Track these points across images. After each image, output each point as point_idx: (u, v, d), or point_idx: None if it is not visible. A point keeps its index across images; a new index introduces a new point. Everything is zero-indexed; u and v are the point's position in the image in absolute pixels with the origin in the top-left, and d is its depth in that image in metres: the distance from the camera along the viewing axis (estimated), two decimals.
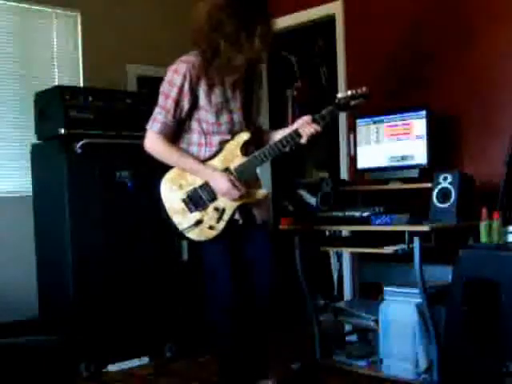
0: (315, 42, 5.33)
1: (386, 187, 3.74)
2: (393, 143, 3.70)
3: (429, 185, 3.40)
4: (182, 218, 2.83)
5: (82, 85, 4.41)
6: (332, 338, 3.77)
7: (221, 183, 2.79)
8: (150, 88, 4.71)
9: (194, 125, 2.85)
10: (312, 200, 3.79)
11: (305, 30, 4.79)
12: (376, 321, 3.43)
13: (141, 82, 4.76)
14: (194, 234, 2.83)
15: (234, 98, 2.88)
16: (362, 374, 3.45)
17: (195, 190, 2.83)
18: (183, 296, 4.14)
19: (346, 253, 3.99)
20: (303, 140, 2.86)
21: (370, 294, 3.80)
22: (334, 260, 4.07)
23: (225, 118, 2.84)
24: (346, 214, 3.46)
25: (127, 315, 3.77)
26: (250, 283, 2.92)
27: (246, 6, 2.73)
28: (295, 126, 2.89)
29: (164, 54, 4.83)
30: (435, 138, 3.57)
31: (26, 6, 4.28)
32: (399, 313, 3.31)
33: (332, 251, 3.98)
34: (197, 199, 2.82)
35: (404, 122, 3.64)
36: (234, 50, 2.71)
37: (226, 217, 2.82)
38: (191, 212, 2.82)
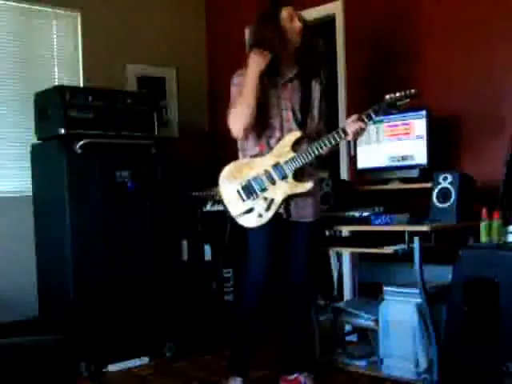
0: (315, 41, 5.32)
1: (386, 187, 3.74)
2: (393, 143, 3.70)
3: (429, 185, 3.40)
4: (236, 206, 3.14)
5: (82, 85, 4.41)
6: (332, 338, 3.77)
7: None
8: (149, 88, 4.72)
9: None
10: None
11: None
12: (376, 321, 3.43)
13: (141, 82, 4.76)
14: (244, 221, 3.13)
15: (286, 97, 3.14)
16: (362, 374, 3.45)
17: (248, 181, 3.12)
18: (183, 296, 4.14)
19: (346, 253, 3.99)
20: (350, 137, 3.09)
21: (370, 294, 3.80)
22: (333, 260, 4.06)
23: (277, 114, 3.11)
24: (346, 214, 3.46)
25: (127, 315, 3.77)
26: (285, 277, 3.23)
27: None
28: (343, 124, 3.12)
29: (164, 54, 4.87)
30: (435, 138, 3.58)
31: (26, 5, 4.28)
32: (399, 313, 3.31)
33: (332, 251, 3.97)
34: (249, 190, 3.12)
35: (404, 121, 3.64)
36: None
37: (274, 206, 3.10)
38: (244, 201, 3.12)
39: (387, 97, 3.07)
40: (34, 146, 3.93)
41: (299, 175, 3.11)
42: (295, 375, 3.23)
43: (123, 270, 3.77)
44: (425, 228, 3.08)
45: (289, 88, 3.16)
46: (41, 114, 3.81)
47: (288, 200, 3.12)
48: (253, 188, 3.11)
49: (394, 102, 3.06)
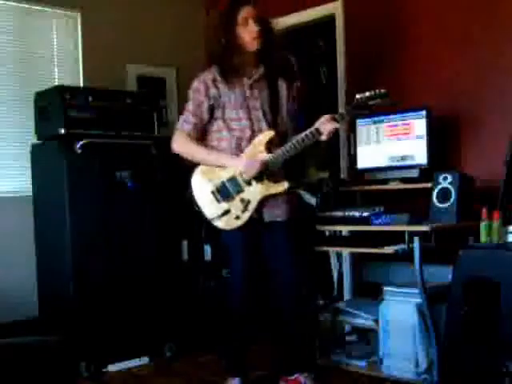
0: (315, 42, 5.33)
1: (385, 187, 3.74)
2: (393, 143, 3.70)
3: (429, 185, 3.40)
4: (211, 208, 3.13)
5: (82, 85, 4.41)
6: (332, 337, 3.76)
7: (242, 162, 3.07)
8: (149, 88, 4.72)
9: (219, 122, 3.15)
10: (312, 200, 3.79)
11: (305, 30, 4.78)
12: (376, 321, 3.43)
13: (141, 82, 4.76)
14: (221, 223, 3.13)
15: (254, 97, 3.14)
16: (362, 374, 3.45)
17: (223, 183, 3.12)
18: (183, 296, 4.14)
19: (346, 253, 3.99)
20: (324, 137, 3.08)
21: (370, 294, 3.80)
22: (333, 260, 4.06)
23: (245, 114, 3.11)
24: (346, 214, 3.46)
25: (127, 315, 3.77)
26: (272, 281, 3.24)
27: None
28: (316, 124, 3.09)
29: (164, 54, 4.87)
30: (435, 138, 3.57)
31: (26, 6, 4.28)
32: (399, 313, 3.30)
33: (332, 251, 3.97)
34: (224, 191, 3.11)
35: (404, 122, 3.64)
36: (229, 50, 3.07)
37: (250, 208, 3.09)
38: (219, 203, 3.11)
39: (357, 96, 3.09)
40: (34, 146, 3.93)
41: (272, 175, 3.11)
42: (295, 375, 3.23)
43: (123, 270, 3.77)
44: (425, 228, 3.08)
45: (256, 88, 3.15)
46: (41, 114, 3.81)
47: (262, 201, 3.12)
48: (228, 190, 3.10)
49: (365, 101, 3.08)
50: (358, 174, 3.93)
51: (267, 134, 3.10)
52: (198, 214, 3.17)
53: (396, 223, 3.19)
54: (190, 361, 3.84)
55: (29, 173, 3.96)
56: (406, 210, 3.32)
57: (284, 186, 3.10)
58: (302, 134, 3.09)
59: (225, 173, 3.11)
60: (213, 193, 3.12)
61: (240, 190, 3.09)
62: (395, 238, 3.16)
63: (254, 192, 3.09)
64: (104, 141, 3.73)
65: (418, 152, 3.58)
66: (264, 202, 3.12)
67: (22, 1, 4.25)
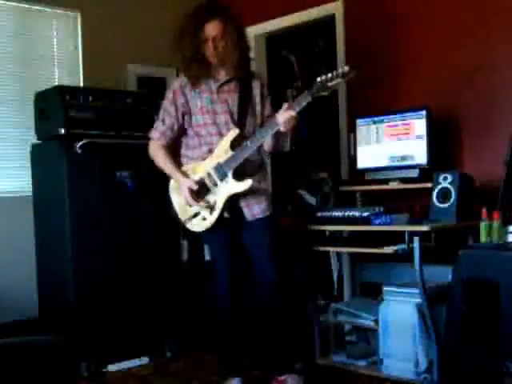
0: (315, 42, 5.33)
1: (385, 187, 3.74)
2: (393, 143, 3.70)
3: (429, 185, 3.41)
4: (184, 212, 3.18)
5: (81, 85, 4.41)
6: (332, 338, 3.76)
7: (183, 189, 3.09)
8: (149, 88, 4.72)
9: (190, 130, 3.16)
10: (312, 200, 3.79)
11: (305, 30, 4.78)
12: (376, 321, 3.43)
13: (141, 82, 4.75)
14: (192, 226, 3.18)
15: (221, 101, 3.10)
16: (362, 374, 3.45)
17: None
18: (183, 296, 4.14)
19: (346, 253, 3.99)
20: (281, 127, 2.96)
21: (370, 293, 3.80)
22: (333, 260, 4.06)
23: (211, 119, 3.08)
24: (346, 214, 3.46)
25: (127, 315, 3.77)
26: (252, 269, 3.21)
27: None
28: (277, 113, 2.99)
29: (164, 54, 4.85)
30: (435, 138, 3.58)
31: (26, 6, 4.28)
32: (399, 313, 3.31)
33: (332, 251, 3.97)
34: (193, 194, 3.09)
35: (404, 122, 3.64)
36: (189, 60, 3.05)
37: (217, 208, 3.08)
38: (190, 206, 3.12)
39: (318, 79, 2.95)
40: (34, 146, 3.93)
41: (241, 174, 3.05)
42: (284, 376, 3.16)
43: (123, 270, 3.77)
44: (425, 228, 3.08)
45: (225, 91, 3.11)
46: (41, 114, 3.81)
47: (237, 200, 3.09)
48: (197, 192, 3.09)
49: (325, 83, 2.94)
50: (358, 173, 3.93)
51: (232, 133, 3.05)
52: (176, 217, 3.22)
53: (396, 223, 3.19)
54: (190, 361, 3.84)
55: (29, 173, 3.96)
56: (406, 210, 3.32)
57: (247, 183, 3.03)
58: (262, 128, 3.06)
59: (195, 176, 3.12)
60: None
61: (207, 192, 3.09)
62: (395, 237, 3.16)
63: (220, 192, 3.07)
64: (104, 141, 3.73)
65: (418, 152, 3.58)
66: (242, 201, 3.10)
67: (21, 1, 4.25)
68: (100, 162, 3.71)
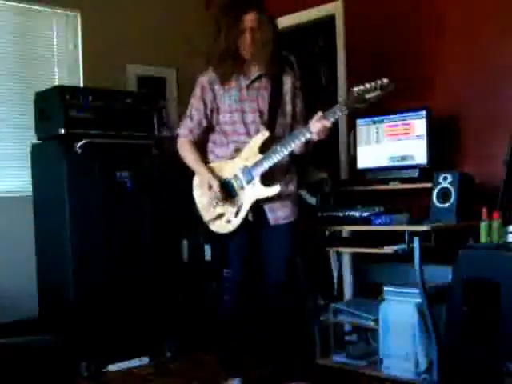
0: (315, 41, 5.33)
1: (386, 187, 3.74)
2: (393, 143, 3.70)
3: (429, 185, 3.41)
4: (207, 212, 3.12)
5: (81, 85, 4.41)
6: (332, 338, 3.76)
7: (211, 186, 3.03)
8: (149, 88, 4.72)
9: (217, 127, 3.11)
10: (312, 200, 3.79)
11: (305, 30, 4.78)
12: (376, 321, 3.43)
13: (141, 82, 4.75)
14: (215, 227, 3.13)
15: (251, 99, 3.04)
16: (362, 374, 3.45)
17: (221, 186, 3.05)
18: (183, 296, 4.14)
19: (346, 253, 3.99)
20: (314, 136, 2.93)
21: (370, 293, 3.80)
22: (333, 260, 4.06)
23: (239, 118, 3.03)
24: (346, 214, 3.46)
25: (127, 315, 3.77)
26: (266, 278, 3.17)
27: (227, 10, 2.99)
28: (309, 123, 2.94)
29: (164, 54, 4.87)
30: (435, 138, 3.57)
31: (26, 6, 4.28)
32: (399, 313, 3.31)
33: (332, 251, 3.97)
34: (220, 195, 3.05)
35: (404, 122, 3.64)
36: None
37: (242, 212, 3.03)
38: (215, 207, 3.08)
39: (355, 89, 2.85)
40: (34, 146, 3.93)
41: (269, 177, 3.00)
42: None
43: (123, 270, 3.77)
44: (425, 228, 3.08)
45: (255, 88, 3.04)
46: (41, 114, 3.81)
47: (261, 205, 3.04)
48: (223, 193, 3.04)
49: (362, 94, 2.84)
50: (358, 173, 3.93)
51: (261, 136, 2.99)
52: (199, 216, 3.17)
53: (396, 223, 3.19)
54: (190, 361, 3.84)
55: (29, 173, 3.95)
56: (406, 210, 3.32)
57: (275, 189, 2.99)
58: (293, 134, 2.99)
59: (222, 176, 3.06)
60: (210, 196, 3.09)
61: (234, 194, 3.04)
62: (395, 238, 3.16)
63: (247, 196, 3.02)
64: (104, 141, 3.73)
65: (418, 152, 3.58)
66: (266, 205, 3.05)
67: (22, 1, 4.24)
68: (100, 162, 3.71)
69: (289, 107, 3.11)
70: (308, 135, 2.92)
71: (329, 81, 5.09)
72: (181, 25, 4.98)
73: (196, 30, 5.07)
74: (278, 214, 3.07)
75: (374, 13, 4.07)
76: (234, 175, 3.04)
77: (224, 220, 3.06)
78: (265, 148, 2.99)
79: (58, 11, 4.42)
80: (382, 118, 3.73)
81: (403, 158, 3.65)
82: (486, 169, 3.48)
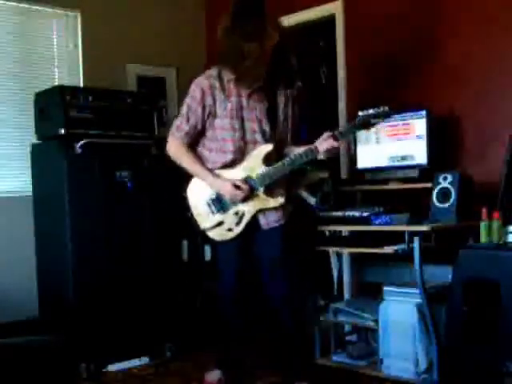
0: (315, 42, 5.33)
1: (385, 187, 3.74)
2: (393, 143, 3.70)
3: (429, 185, 3.41)
4: (205, 219, 3.12)
5: (82, 85, 4.41)
6: (332, 338, 3.77)
7: (224, 187, 3.03)
8: (149, 88, 4.72)
9: (210, 132, 3.08)
10: (312, 200, 3.79)
11: (305, 30, 4.78)
12: (376, 321, 3.43)
13: (141, 82, 4.75)
14: (214, 234, 3.14)
15: (250, 108, 3.05)
16: (362, 374, 3.45)
17: (218, 194, 3.08)
18: (183, 296, 4.14)
19: (346, 253, 3.99)
20: (320, 156, 3.02)
21: (370, 293, 3.80)
22: (333, 260, 4.06)
23: (237, 125, 3.03)
24: (346, 214, 3.46)
25: (127, 315, 3.77)
26: (263, 281, 3.18)
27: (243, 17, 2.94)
28: (316, 142, 3.02)
29: (164, 54, 4.87)
30: (435, 138, 3.57)
31: (26, 5, 4.28)
32: (399, 313, 3.30)
33: (332, 251, 3.97)
34: (219, 203, 3.09)
35: (404, 121, 3.64)
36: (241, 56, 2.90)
37: (244, 221, 3.07)
38: (213, 214, 3.10)
39: (360, 114, 3.02)
40: (34, 146, 3.93)
41: (270, 188, 3.06)
42: None
43: (123, 270, 3.77)
44: (425, 228, 3.08)
45: (254, 99, 3.05)
46: (41, 114, 3.81)
47: (257, 213, 3.09)
48: (223, 201, 3.07)
49: (368, 120, 3.02)
50: (358, 173, 3.93)
51: (266, 147, 3.03)
52: (192, 220, 3.18)
53: (396, 223, 3.19)
54: (190, 361, 3.84)
55: (29, 173, 3.96)
56: (406, 210, 3.32)
57: (279, 201, 3.06)
58: (300, 151, 3.03)
59: None
60: (208, 204, 3.11)
61: (235, 203, 3.06)
62: (395, 238, 3.16)
63: (249, 205, 3.06)
64: (104, 141, 3.73)
65: (418, 152, 3.58)
66: (260, 212, 3.10)
67: (22, 1, 4.25)
68: (100, 162, 3.71)
69: (281, 119, 3.14)
70: (314, 154, 3.01)
71: (329, 81, 5.09)
72: (181, 25, 4.98)
73: (196, 30, 5.09)
74: (270, 219, 3.12)
75: (374, 13, 4.07)
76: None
77: (224, 228, 3.08)
78: (268, 160, 3.05)
79: (58, 11, 4.42)
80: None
81: (403, 158, 3.65)
82: (485, 169, 3.47)
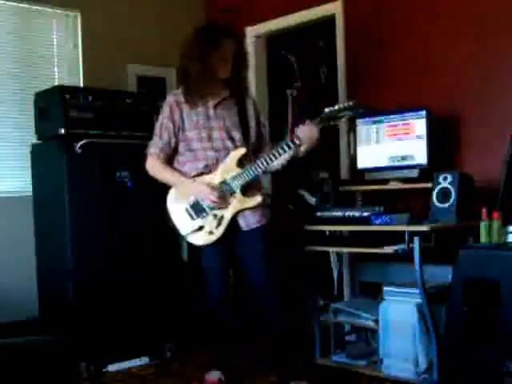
0: (315, 41, 5.33)
1: (385, 187, 3.74)
2: (393, 143, 3.70)
3: (429, 185, 3.41)
4: (186, 225, 3.19)
5: (81, 85, 4.41)
6: (332, 338, 3.76)
7: (200, 190, 3.12)
8: (149, 88, 4.72)
9: (183, 145, 3.19)
10: (312, 200, 3.79)
11: (305, 30, 4.78)
12: (376, 321, 3.43)
13: (141, 82, 4.75)
14: (195, 239, 3.19)
15: (217, 117, 3.16)
16: (362, 374, 3.45)
17: (196, 199, 3.15)
18: (183, 296, 4.14)
19: (346, 253, 3.99)
20: (301, 149, 3.12)
21: (370, 293, 3.80)
22: (333, 260, 4.06)
23: (205, 135, 3.13)
24: (346, 213, 3.46)
25: (127, 315, 3.77)
26: (247, 281, 3.25)
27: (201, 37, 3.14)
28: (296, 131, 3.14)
29: (164, 54, 4.86)
30: (435, 138, 3.58)
31: (26, 5, 4.27)
32: (399, 313, 3.31)
33: (332, 251, 3.97)
34: (198, 208, 3.15)
35: (404, 121, 3.64)
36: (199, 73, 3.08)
37: (224, 222, 3.13)
38: (193, 219, 3.16)
39: (326, 110, 3.12)
40: (34, 146, 3.93)
41: (247, 189, 3.13)
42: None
43: (123, 270, 3.77)
44: (425, 228, 3.08)
45: (221, 108, 3.17)
46: (41, 114, 3.81)
47: (236, 214, 3.15)
48: (202, 206, 3.14)
49: (335, 114, 3.13)
50: (358, 173, 3.93)
51: (239, 151, 3.13)
52: (173, 229, 3.24)
53: (396, 223, 3.19)
54: (190, 361, 3.84)
55: (29, 173, 3.96)
56: (406, 210, 3.32)
57: (257, 200, 3.12)
58: (278, 147, 3.11)
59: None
60: (187, 210, 3.17)
61: (214, 207, 3.12)
62: (395, 237, 3.16)
63: (228, 208, 3.13)
64: (104, 141, 3.73)
65: (418, 152, 3.58)
66: (239, 213, 3.15)
67: (22, 1, 4.24)
68: (100, 162, 3.71)
69: (253, 128, 3.25)
70: (290, 146, 3.09)
71: (329, 81, 5.09)
72: (181, 25, 4.97)
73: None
74: (250, 220, 3.16)
75: (374, 13, 4.07)
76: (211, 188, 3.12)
77: (205, 231, 3.15)
78: (242, 163, 3.13)
79: (58, 11, 4.42)
80: (382, 118, 3.73)
81: (403, 158, 3.65)
82: (485, 169, 3.48)
